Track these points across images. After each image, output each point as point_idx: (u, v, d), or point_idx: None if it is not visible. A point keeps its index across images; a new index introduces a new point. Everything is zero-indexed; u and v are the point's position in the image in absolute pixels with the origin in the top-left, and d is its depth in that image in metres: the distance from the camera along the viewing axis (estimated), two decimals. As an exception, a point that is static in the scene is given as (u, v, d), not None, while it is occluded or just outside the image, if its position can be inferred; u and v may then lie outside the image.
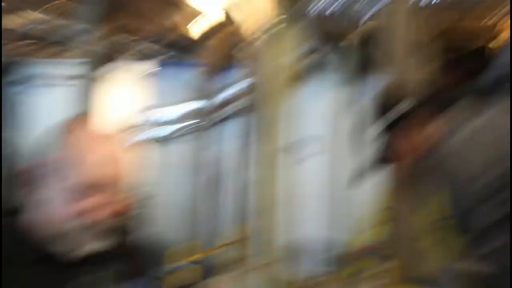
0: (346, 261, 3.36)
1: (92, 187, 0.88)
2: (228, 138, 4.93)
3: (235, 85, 4.60)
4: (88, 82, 2.09)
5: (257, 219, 3.48)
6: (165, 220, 5.42)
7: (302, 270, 3.69)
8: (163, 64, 5.37)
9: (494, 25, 3.29)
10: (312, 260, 4.59)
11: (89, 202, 0.87)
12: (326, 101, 4.49)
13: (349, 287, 2.86)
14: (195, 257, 2.66)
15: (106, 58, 1.97)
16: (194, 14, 4.26)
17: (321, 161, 4.47)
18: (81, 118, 1.01)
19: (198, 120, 4.75)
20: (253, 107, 3.63)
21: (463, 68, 1.90)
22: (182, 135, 5.25)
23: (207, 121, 3.15)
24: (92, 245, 0.89)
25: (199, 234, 3.30)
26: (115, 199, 0.91)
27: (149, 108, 5.37)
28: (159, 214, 5.52)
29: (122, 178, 0.94)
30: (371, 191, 3.87)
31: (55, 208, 0.88)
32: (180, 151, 5.34)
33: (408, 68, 2.16)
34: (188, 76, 5.22)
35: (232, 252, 4.72)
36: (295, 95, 1.43)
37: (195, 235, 3.34)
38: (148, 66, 5.46)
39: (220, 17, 3.75)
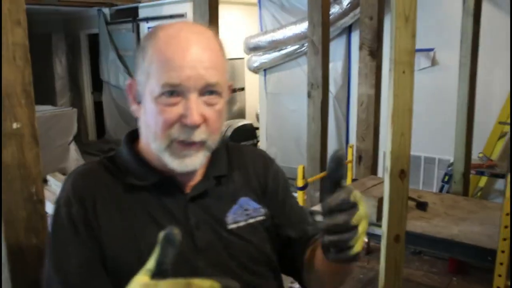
0: (458, 179, 3.27)
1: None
2: (337, 56, 4.83)
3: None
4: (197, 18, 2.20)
5: (368, 137, 3.51)
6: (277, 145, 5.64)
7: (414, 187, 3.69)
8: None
9: None
10: (423, 178, 4.52)
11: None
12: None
13: (459, 205, 2.83)
14: (302, 181, 2.78)
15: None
16: None
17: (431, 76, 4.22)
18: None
19: (305, 42, 4.66)
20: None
21: None
22: (293, 58, 5.26)
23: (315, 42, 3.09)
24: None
25: (305, 158, 3.42)
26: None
27: (257, 34, 5.37)
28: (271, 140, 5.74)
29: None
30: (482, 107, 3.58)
31: None
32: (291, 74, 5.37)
33: None
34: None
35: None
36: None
37: (301, 160, 3.46)
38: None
39: None
